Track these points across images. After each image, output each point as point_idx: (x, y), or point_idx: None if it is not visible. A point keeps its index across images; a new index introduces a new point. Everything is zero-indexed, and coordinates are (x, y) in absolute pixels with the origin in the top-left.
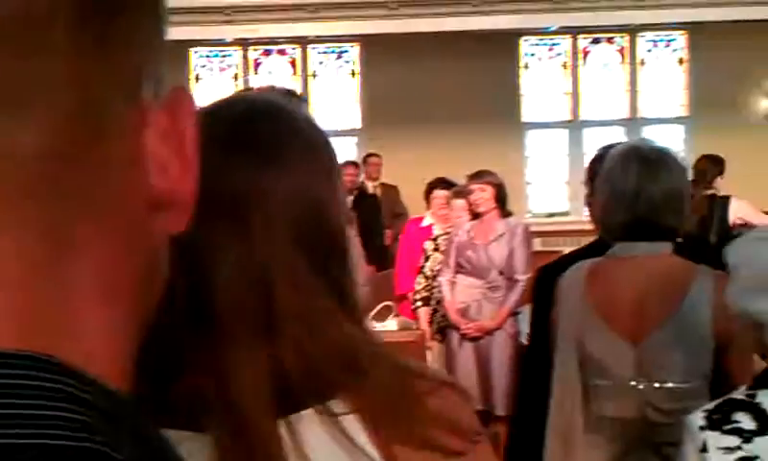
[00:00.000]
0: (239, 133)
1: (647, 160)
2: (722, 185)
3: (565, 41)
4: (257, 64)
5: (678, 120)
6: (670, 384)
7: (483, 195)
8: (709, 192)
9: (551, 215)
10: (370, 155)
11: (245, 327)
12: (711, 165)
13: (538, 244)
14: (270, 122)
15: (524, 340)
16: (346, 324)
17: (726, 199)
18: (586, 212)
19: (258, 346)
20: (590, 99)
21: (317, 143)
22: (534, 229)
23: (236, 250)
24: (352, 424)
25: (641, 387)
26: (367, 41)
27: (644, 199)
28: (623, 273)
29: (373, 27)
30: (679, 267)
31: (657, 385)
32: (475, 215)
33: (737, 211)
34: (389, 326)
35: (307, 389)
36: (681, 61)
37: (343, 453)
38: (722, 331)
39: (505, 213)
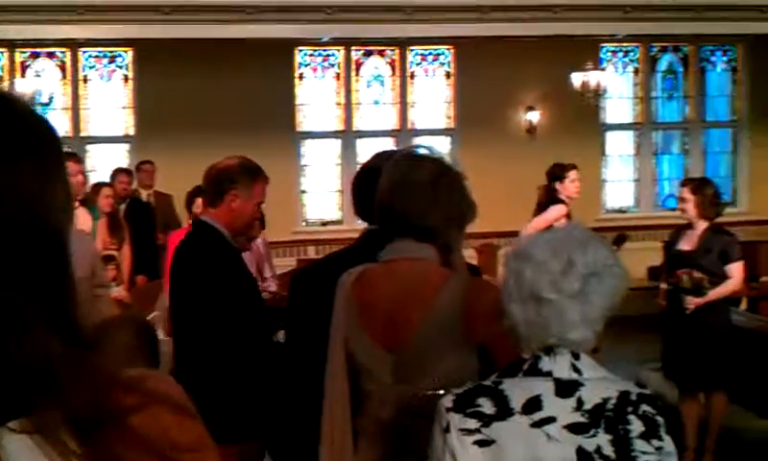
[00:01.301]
0: None
1: (407, 164)
2: (562, 189)
3: (339, 53)
4: (24, 67)
5: (445, 132)
6: (428, 390)
7: None
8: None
9: (325, 224)
10: (143, 162)
11: None
12: (558, 170)
13: (311, 252)
14: None
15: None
16: (44, 334)
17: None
18: (358, 221)
19: None
20: (363, 110)
21: (32, 138)
22: (308, 237)
23: None
24: (56, 439)
25: (401, 393)
26: (140, 46)
27: (402, 200)
28: (383, 279)
29: (146, 32)
30: (432, 273)
31: (416, 391)
32: None
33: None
34: (159, 335)
35: (2, 402)
36: (448, 75)
37: None
38: (476, 335)
39: None
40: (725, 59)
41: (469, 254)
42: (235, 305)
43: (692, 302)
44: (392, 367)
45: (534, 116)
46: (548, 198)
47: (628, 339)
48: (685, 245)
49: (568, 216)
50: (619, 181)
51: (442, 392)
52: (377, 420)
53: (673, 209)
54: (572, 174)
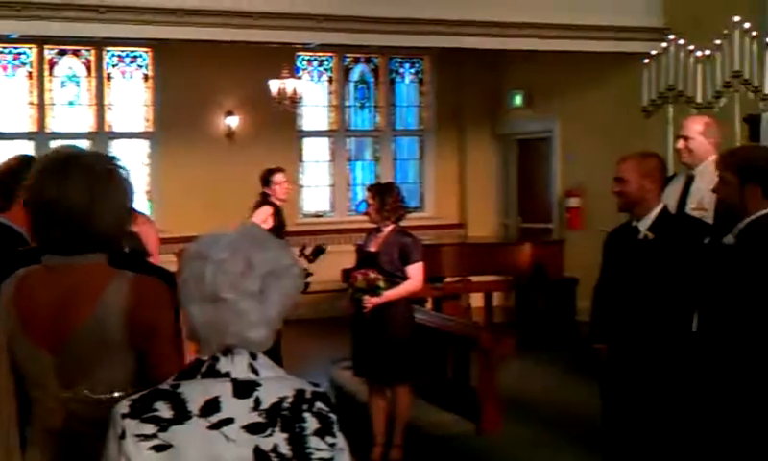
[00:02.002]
0: None
1: (61, 170)
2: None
3: (31, 51)
4: None
5: (144, 135)
6: (94, 394)
7: None
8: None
9: None
10: None
11: None
12: (267, 174)
13: None
14: None
15: None
16: None
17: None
18: None
19: None
20: (57, 111)
21: None
22: None
23: None
24: None
25: (66, 398)
26: None
27: (61, 206)
28: (45, 281)
29: None
30: (96, 274)
31: (80, 396)
32: None
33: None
34: None
35: None
36: (146, 78)
37: None
38: (138, 335)
39: None
40: (412, 70)
41: (169, 259)
42: None
43: (369, 301)
44: (55, 371)
45: (233, 121)
46: (261, 201)
47: (323, 339)
48: (372, 246)
49: (279, 217)
50: (316, 186)
51: (112, 396)
52: (45, 427)
53: (365, 213)
54: (277, 177)
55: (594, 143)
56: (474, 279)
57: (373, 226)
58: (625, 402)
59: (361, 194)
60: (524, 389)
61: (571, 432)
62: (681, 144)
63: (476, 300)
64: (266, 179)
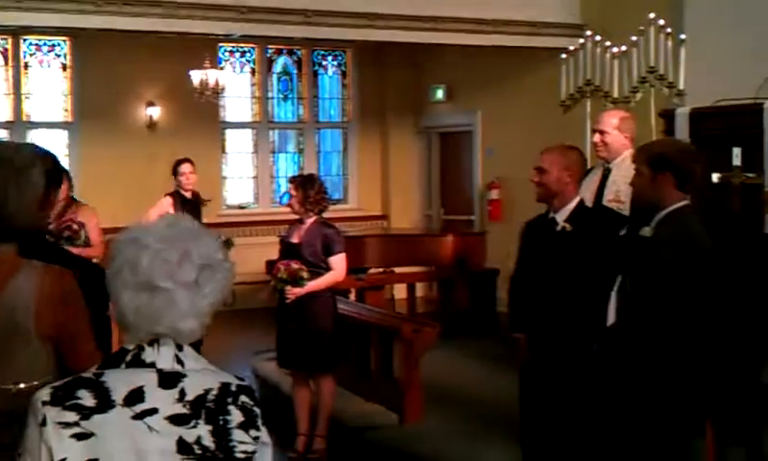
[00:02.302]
0: None
1: None
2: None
3: None
4: None
5: (63, 125)
6: (3, 385)
7: None
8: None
9: None
10: None
11: None
12: (175, 165)
13: None
14: None
15: None
16: None
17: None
18: None
19: None
20: None
21: None
22: None
23: None
24: None
25: None
26: None
27: None
28: None
29: None
30: (6, 263)
31: None
32: None
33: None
34: None
35: None
36: (65, 67)
37: None
38: (48, 325)
39: None
40: (335, 63)
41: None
42: None
43: (291, 291)
44: None
45: (155, 112)
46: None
47: (248, 330)
48: (295, 238)
49: (190, 209)
50: (239, 177)
51: (18, 387)
52: None
53: (288, 205)
54: (182, 168)
55: (514, 136)
56: (397, 270)
57: (296, 217)
58: (542, 393)
59: (284, 186)
60: (447, 380)
61: (493, 422)
62: (597, 138)
63: (399, 291)
64: (174, 169)
